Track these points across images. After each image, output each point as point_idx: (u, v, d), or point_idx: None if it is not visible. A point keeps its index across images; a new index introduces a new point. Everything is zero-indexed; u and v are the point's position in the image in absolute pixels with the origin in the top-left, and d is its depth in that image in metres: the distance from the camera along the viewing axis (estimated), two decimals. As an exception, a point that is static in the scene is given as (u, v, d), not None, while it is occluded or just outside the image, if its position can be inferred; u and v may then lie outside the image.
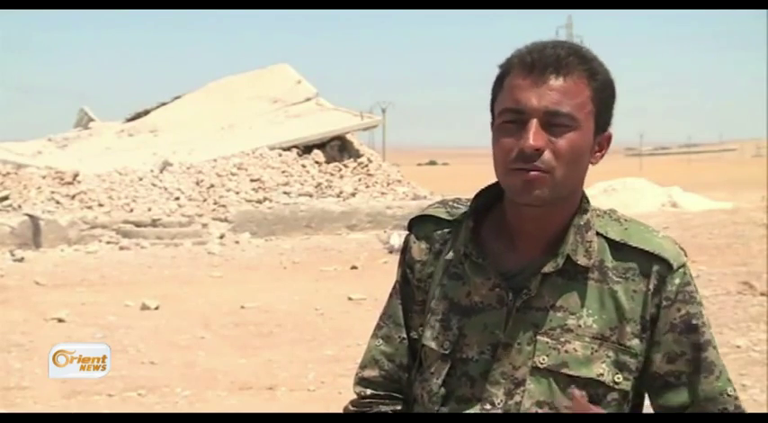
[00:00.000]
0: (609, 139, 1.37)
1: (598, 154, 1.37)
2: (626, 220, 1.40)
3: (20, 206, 15.26)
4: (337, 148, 19.69)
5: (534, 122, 1.28)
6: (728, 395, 1.37)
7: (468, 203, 1.45)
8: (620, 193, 22.21)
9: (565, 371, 1.33)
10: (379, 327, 1.52)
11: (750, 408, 5.17)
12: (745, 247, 12.58)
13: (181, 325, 7.89)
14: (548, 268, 1.33)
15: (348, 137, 20.29)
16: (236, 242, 14.87)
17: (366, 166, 19.37)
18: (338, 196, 17.56)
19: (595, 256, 1.35)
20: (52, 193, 15.99)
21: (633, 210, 19.66)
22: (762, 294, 8.54)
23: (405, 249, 1.50)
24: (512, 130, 1.30)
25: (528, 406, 1.33)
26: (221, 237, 15.11)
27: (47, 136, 23.18)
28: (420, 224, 1.48)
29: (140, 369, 6.34)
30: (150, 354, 6.78)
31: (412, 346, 1.47)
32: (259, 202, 16.76)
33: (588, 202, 1.38)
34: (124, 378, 5.94)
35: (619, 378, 1.34)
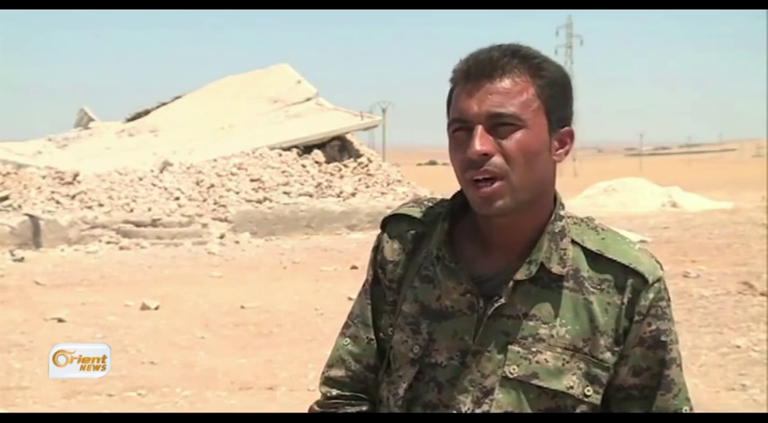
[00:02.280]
0: (571, 134, 1.33)
1: (561, 151, 1.32)
2: (603, 230, 1.36)
3: (20, 206, 15.24)
4: (337, 148, 19.68)
5: (479, 129, 1.26)
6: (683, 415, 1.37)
7: (443, 203, 1.43)
8: (620, 193, 22.22)
9: (535, 382, 1.30)
10: (346, 326, 1.49)
11: (750, 408, 5.17)
12: (745, 247, 12.58)
13: (181, 325, 7.89)
14: (520, 275, 1.30)
15: (348, 137, 20.28)
16: (236, 242, 14.87)
17: (366, 166, 19.36)
18: (338, 196, 17.56)
19: (570, 265, 1.32)
20: (52, 193, 15.98)
21: (633, 210, 19.67)
22: (762, 294, 8.54)
23: (377, 249, 1.46)
24: (461, 139, 1.29)
25: None
26: (221, 237, 15.11)
27: (47, 136, 23.16)
28: (393, 223, 1.45)
29: (140, 369, 6.34)
30: (150, 354, 6.78)
31: (380, 346, 1.44)
32: (259, 202, 16.75)
33: (563, 207, 1.35)
34: (124, 378, 5.94)
35: (589, 391, 1.32)
